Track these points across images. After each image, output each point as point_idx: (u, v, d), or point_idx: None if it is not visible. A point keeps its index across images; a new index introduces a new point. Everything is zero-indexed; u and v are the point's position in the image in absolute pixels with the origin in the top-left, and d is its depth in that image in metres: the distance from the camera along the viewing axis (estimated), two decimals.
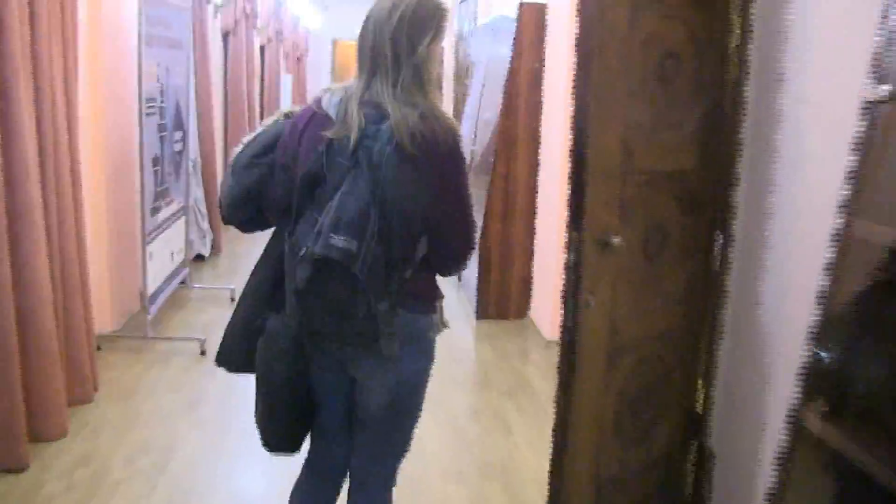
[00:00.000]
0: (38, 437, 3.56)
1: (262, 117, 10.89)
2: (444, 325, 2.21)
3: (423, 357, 2.17)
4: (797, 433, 2.12)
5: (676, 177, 2.72)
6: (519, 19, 5.58)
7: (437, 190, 1.98)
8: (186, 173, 5.98)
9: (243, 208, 2.21)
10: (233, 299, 5.98)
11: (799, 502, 2.17)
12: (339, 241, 1.84)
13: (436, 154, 1.94)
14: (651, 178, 2.65)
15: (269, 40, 11.17)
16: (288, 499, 2.41)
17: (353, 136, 1.92)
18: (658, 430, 2.92)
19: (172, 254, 5.58)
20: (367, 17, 2.06)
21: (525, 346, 5.32)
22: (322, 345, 2.11)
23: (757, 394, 2.61)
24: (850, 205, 1.98)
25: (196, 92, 6.72)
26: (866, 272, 2.02)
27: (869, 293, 2.02)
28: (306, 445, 2.34)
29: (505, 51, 5.92)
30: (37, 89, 3.43)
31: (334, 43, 19.06)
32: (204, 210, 7.14)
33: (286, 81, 13.32)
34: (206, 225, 7.17)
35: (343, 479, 2.37)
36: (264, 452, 2.25)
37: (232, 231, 2.36)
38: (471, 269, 5.63)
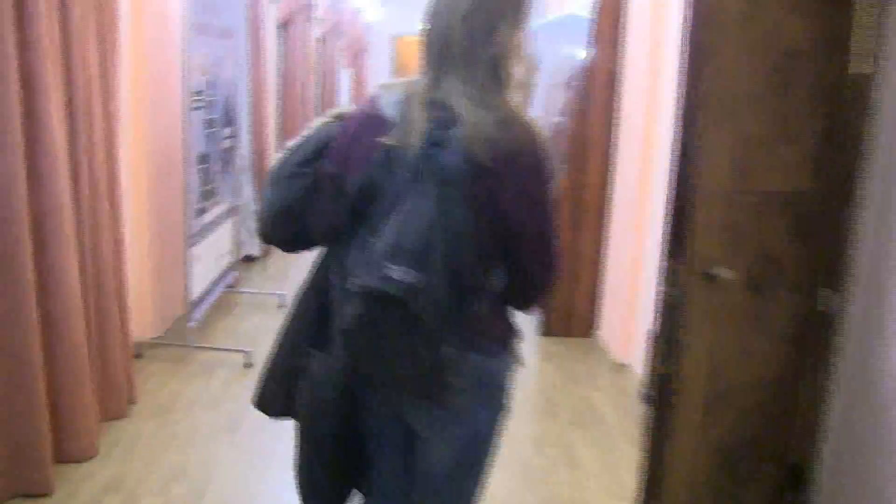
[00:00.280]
0: (66, 457, 3.28)
1: (319, 113, 10.63)
2: (520, 364, 1.87)
3: (496, 407, 1.84)
4: None
5: (792, 199, 2.32)
6: (595, 16, 5.18)
7: (517, 210, 1.65)
8: (237, 172, 5.69)
9: (285, 225, 1.89)
10: (281, 306, 5.68)
11: None
12: (397, 272, 1.50)
13: (517, 167, 1.62)
14: (763, 199, 2.26)
15: (328, 34, 10.90)
16: None
17: (417, 144, 1.59)
18: (753, 486, 2.53)
19: (219, 256, 5.29)
20: (435, 2, 1.72)
21: (592, 369, 4.90)
22: (375, 392, 1.78)
23: (875, 458, 2.21)
24: None
25: (249, 85, 6.43)
26: None
27: None
28: None
29: (573, 50, 5.55)
30: (68, 78, 3.13)
31: (396, 39, 18.75)
32: (254, 208, 6.86)
33: (344, 78, 13.06)
34: (255, 224, 6.88)
35: None
36: None
37: None
38: None
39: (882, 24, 2.23)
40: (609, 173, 5.31)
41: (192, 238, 4.57)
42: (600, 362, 5.01)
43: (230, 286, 5.71)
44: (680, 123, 2.17)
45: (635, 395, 4.42)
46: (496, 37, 1.66)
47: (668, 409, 2.20)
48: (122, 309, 3.80)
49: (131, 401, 3.90)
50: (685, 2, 2.16)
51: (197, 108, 4.53)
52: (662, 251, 4.16)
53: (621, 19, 5.12)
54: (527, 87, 1.73)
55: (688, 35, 2.10)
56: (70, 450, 3.29)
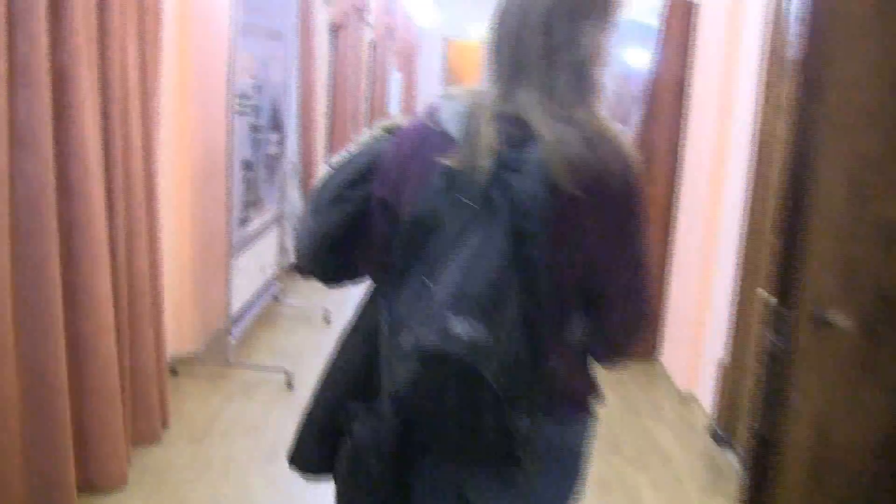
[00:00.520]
0: (92, 486, 3.04)
1: (370, 119, 10.41)
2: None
3: (570, 480, 1.56)
4: None
5: None
6: (663, 21, 4.86)
7: (607, 247, 1.37)
8: (283, 179, 5.45)
9: (327, 258, 1.61)
10: (326, 320, 5.44)
11: None
12: (461, 326, 1.20)
13: (607, 194, 1.34)
14: (884, 229, 1.94)
15: (379, 37, 10.68)
16: None
17: (485, 166, 1.31)
18: None
19: (263, 267, 5.06)
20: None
21: (656, 399, 4.57)
22: (430, 462, 1.49)
23: None
24: None
25: (298, 89, 6.20)
26: None
27: None
28: None
29: (634, 58, 5.30)
30: (104, 79, 2.90)
31: (447, 42, 18.49)
32: (300, 215, 6.62)
33: (395, 82, 12.86)
34: None
35: None
36: None
37: None
38: None
39: None
40: (675, 188, 4.99)
41: (235, 249, 4.33)
42: (664, 391, 4.68)
43: (274, 297, 5.47)
44: (791, 142, 1.86)
45: (703, 431, 4.10)
46: (580, 38, 1.38)
47: (768, 477, 1.88)
48: (158, 325, 3.57)
49: (164, 424, 3.67)
50: (775, 6, 1.84)
51: (242, 113, 4.29)
52: (735, 275, 3.91)
53: (692, 25, 4.80)
54: (615, 97, 1.44)
55: (804, 42, 1.80)
56: (97, 479, 3.06)
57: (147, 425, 3.49)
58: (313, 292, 6.28)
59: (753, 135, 3.72)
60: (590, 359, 1.52)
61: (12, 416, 2.55)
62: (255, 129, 4.57)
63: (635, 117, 5.07)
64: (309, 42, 6.32)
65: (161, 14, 3.35)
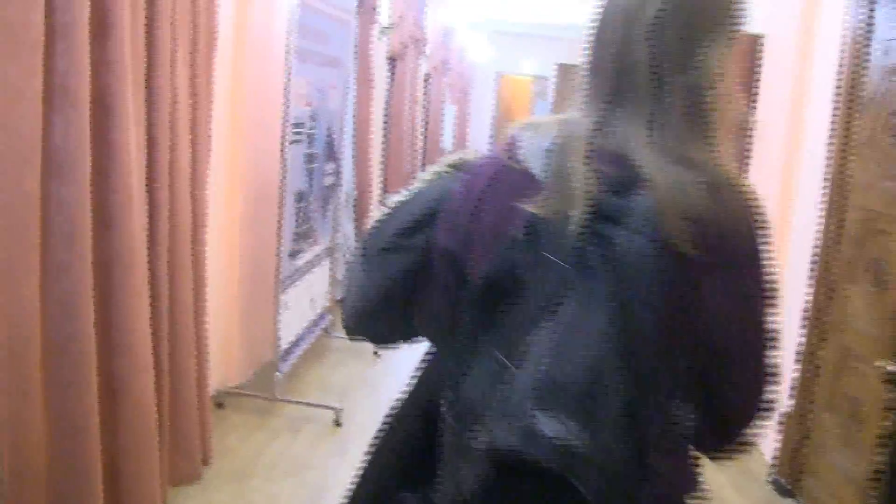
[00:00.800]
0: None
1: (424, 152, 10.30)
2: None
3: None
4: None
5: None
6: None
7: (729, 320, 1.10)
8: (337, 210, 5.30)
9: (381, 317, 1.38)
10: (377, 353, 5.25)
11: None
12: (551, 425, 0.94)
13: (733, 257, 1.09)
14: None
15: (436, 69, 10.59)
16: None
17: (581, 217, 1.05)
18: None
19: (314, 300, 4.90)
20: (606, 11, 1.17)
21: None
22: None
23: None
24: None
25: (354, 119, 6.08)
26: None
27: None
28: None
29: None
30: (150, 101, 2.75)
31: (500, 76, 18.41)
32: (354, 247, 6.48)
33: (449, 114, 12.78)
34: None
35: None
36: None
37: None
38: None
39: None
40: None
41: (285, 283, 4.17)
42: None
43: (324, 329, 5.31)
44: None
45: (763, 480, 3.85)
46: (697, 56, 1.12)
47: None
48: (201, 361, 3.41)
49: (206, 461, 3.49)
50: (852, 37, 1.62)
51: (297, 141, 4.15)
52: (803, 323, 3.67)
53: (756, 64, 4.55)
54: (738, 132, 1.17)
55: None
56: None
57: (187, 464, 3.32)
58: None
59: (826, 176, 3.53)
60: (692, 450, 1.24)
61: (38, 460, 2.38)
62: (309, 158, 4.42)
63: None
64: (367, 71, 6.21)
65: (215, 35, 3.22)
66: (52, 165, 2.33)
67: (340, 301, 1.39)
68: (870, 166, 3.22)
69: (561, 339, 0.99)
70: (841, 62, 3.47)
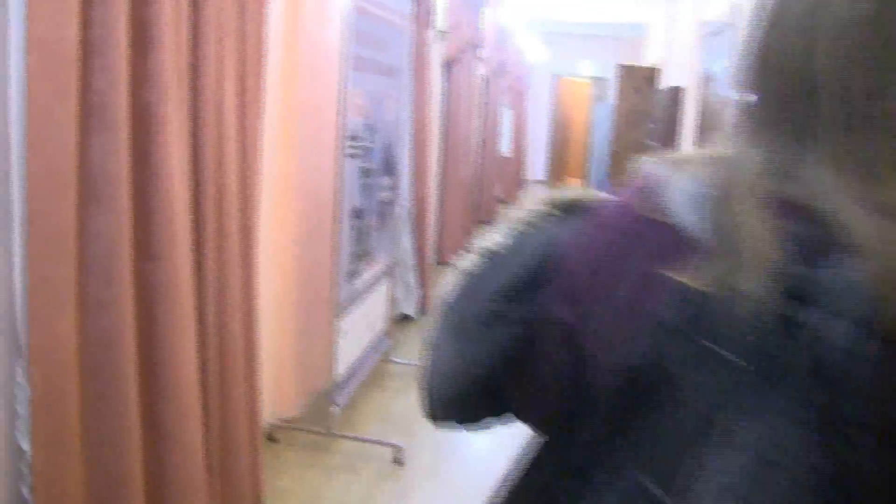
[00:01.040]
0: None
1: (483, 159, 9.99)
2: None
3: None
4: None
5: None
6: None
7: None
8: (395, 227, 5.03)
9: (472, 401, 1.03)
10: None
11: None
12: None
13: None
14: None
15: (492, 72, 10.30)
16: None
17: (760, 293, 0.69)
18: None
19: (372, 322, 4.62)
20: (778, 12, 0.80)
21: None
22: None
23: None
24: None
25: (412, 129, 5.80)
26: None
27: None
28: None
29: None
30: (195, 118, 2.50)
31: (557, 79, 18.08)
32: (412, 263, 6.19)
33: (506, 118, 12.49)
34: (413, 280, 6.21)
35: None
36: None
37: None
38: None
39: None
40: None
41: (341, 306, 3.90)
42: None
43: (383, 355, 5.02)
44: None
45: None
46: None
47: None
48: (253, 396, 3.15)
49: (256, 503, 3.23)
50: None
51: (353, 156, 3.88)
52: None
53: None
54: None
55: None
56: None
57: None
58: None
59: None
60: None
61: None
62: (366, 173, 4.16)
63: None
64: (424, 78, 5.93)
65: (264, 45, 2.96)
66: (88, 191, 2.10)
67: (421, 378, 1.07)
68: None
69: (747, 474, 0.68)
70: None
